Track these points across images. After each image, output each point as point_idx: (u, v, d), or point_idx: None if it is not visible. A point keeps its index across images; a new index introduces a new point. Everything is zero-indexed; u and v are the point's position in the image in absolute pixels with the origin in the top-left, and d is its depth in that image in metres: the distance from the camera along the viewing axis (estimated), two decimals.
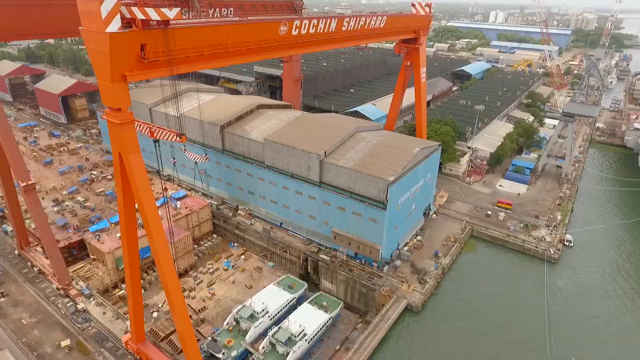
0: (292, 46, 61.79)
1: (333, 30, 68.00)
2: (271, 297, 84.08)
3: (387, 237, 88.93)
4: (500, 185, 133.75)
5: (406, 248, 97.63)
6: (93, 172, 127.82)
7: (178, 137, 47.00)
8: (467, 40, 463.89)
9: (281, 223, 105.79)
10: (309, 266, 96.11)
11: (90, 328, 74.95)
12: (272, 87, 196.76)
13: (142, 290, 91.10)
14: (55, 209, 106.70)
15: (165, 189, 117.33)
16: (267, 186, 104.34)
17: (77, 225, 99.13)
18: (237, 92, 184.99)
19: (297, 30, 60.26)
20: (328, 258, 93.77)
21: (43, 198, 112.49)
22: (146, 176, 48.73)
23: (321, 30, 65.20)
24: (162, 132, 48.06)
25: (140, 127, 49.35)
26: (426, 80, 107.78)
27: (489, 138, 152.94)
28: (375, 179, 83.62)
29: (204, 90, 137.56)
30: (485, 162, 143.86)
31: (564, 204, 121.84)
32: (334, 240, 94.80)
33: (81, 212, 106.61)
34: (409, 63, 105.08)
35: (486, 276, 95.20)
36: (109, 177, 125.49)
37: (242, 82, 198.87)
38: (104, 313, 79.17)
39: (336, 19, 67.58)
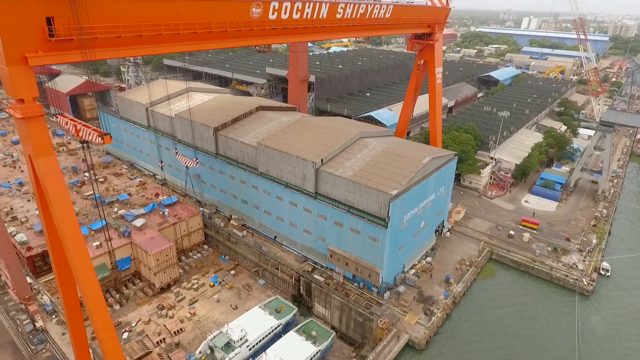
0: (270, 33, 51.74)
1: (324, 17, 57.76)
2: (253, 322, 73.94)
3: (389, 259, 77.45)
4: (525, 201, 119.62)
5: (413, 271, 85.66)
6: (86, 174, 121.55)
7: (100, 138, 37.64)
8: (497, 46, 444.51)
9: (275, 236, 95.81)
10: (301, 287, 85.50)
11: (44, 351, 66.67)
12: (285, 89, 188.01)
13: (117, 306, 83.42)
14: (38, 212, 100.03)
15: (157, 195, 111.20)
16: (260, 195, 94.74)
17: None
18: (247, 95, 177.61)
19: (276, 14, 50.41)
20: (323, 279, 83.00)
21: (29, 200, 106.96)
22: (62, 184, 39.29)
23: (308, 17, 55.12)
24: (87, 130, 38.80)
25: (65, 123, 40.32)
26: (442, 82, 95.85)
27: (515, 148, 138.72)
28: (375, 192, 72.49)
29: (205, 91, 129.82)
30: (509, 175, 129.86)
31: (600, 226, 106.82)
32: (330, 259, 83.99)
33: None
34: (422, 62, 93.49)
35: (505, 308, 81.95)
36: (102, 179, 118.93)
37: (253, 84, 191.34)
38: (63, 334, 70.79)
39: (328, 4, 57.21)
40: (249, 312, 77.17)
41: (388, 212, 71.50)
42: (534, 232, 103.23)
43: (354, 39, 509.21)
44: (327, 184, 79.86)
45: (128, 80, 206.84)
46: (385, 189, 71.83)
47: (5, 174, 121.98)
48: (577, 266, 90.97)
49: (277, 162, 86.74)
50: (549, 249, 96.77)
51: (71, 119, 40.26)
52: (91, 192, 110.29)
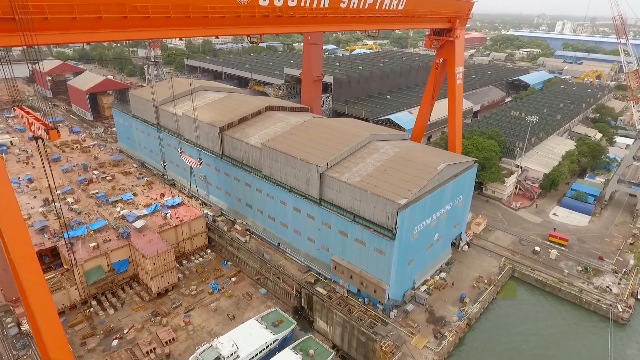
0: (261, 22, 46.14)
1: (326, 6, 51.97)
2: (247, 336, 68.72)
3: (397, 274, 70.74)
4: (554, 214, 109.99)
5: (424, 288, 78.47)
6: (95, 172, 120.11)
7: (46, 132, 33.25)
8: (528, 49, 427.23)
9: (279, 243, 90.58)
10: (302, 299, 79.75)
11: (25, 357, 63.44)
12: None
13: (112, 311, 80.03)
14: (41, 209, 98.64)
15: (162, 195, 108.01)
16: (264, 199, 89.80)
17: (53, 230, 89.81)
18: (265, 95, 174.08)
19: (268, 0, 45.05)
20: (325, 292, 77.06)
21: (35, 197, 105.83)
22: (6, 182, 34.77)
23: (307, 5, 49.44)
24: (35, 124, 34.52)
25: (21, 116, 36.26)
26: (462, 83, 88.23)
27: (544, 156, 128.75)
28: (382, 200, 66.07)
29: (217, 90, 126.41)
30: (536, 185, 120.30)
31: (639, 244, 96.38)
32: (334, 271, 77.96)
33: (67, 215, 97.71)
34: (440, 60, 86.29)
35: (527, 335, 73.55)
36: (109, 178, 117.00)
37: (271, 84, 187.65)
38: None
39: None
40: (243, 325, 72.05)
41: (396, 223, 64.93)
42: (563, 248, 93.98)
43: (377, 41, 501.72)
44: (332, 189, 73.99)
45: (148, 79, 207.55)
46: (394, 197, 65.29)
47: (17, 170, 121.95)
48: (611, 290, 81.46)
49: (281, 164, 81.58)
50: (579, 268, 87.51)
51: (26, 112, 36.22)
52: (97, 191, 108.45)
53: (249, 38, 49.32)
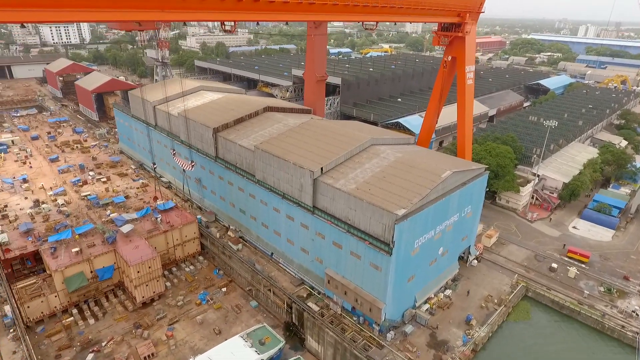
0: (239, 7, 40.28)
1: None
2: (229, 356, 63.13)
3: (395, 292, 64.07)
4: (574, 227, 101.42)
5: (426, 306, 71.45)
6: (90, 172, 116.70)
7: None
8: (549, 53, 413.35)
9: (272, 253, 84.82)
10: (293, 315, 73.69)
11: None
12: None
13: (92, 320, 75.38)
14: (29, 211, 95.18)
15: (155, 198, 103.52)
16: (258, 205, 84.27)
17: (38, 233, 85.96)
18: (272, 97, 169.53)
19: None
20: (318, 308, 70.83)
21: (26, 198, 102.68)
22: None
23: None
24: None
25: None
26: (473, 83, 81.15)
27: (564, 164, 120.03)
28: (379, 210, 59.64)
29: (219, 90, 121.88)
30: (555, 195, 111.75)
31: None
32: (328, 285, 71.72)
33: (55, 218, 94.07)
34: (449, 58, 79.39)
35: None
36: (104, 179, 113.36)
37: (278, 86, 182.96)
38: (14, 352, 63.04)
39: None
40: (226, 342, 66.46)
41: (393, 236, 58.40)
42: (583, 266, 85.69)
43: (393, 44, 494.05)
44: (326, 197, 67.90)
45: (157, 79, 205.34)
46: (391, 207, 58.79)
47: (14, 170, 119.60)
48: (637, 314, 72.93)
49: (274, 169, 75.95)
50: (601, 289, 79.12)
51: None
52: (88, 193, 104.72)
53: (222, 25, 43.74)
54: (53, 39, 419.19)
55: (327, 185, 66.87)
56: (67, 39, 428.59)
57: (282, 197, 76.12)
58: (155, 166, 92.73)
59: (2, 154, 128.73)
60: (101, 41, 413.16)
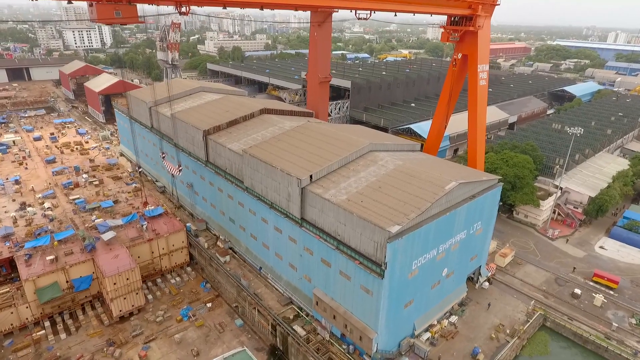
0: None
1: None
2: None
3: (389, 320, 55.97)
4: (601, 247, 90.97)
5: (428, 335, 62.89)
6: (84, 175, 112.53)
7: None
8: (576, 60, 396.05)
9: (260, 267, 77.80)
10: (278, 338, 66.28)
11: None
12: None
13: (64, 335, 69.83)
14: (13, 214, 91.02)
15: (145, 204, 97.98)
16: (246, 215, 77.55)
17: (16, 238, 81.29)
18: (280, 100, 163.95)
19: None
20: (304, 333, 63.25)
21: (14, 200, 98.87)
22: None
23: None
24: None
25: None
26: (487, 84, 72.45)
27: (590, 176, 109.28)
28: (370, 226, 51.86)
29: (219, 91, 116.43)
30: (579, 210, 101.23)
31: None
32: (316, 307, 64.07)
33: (39, 222, 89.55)
34: (459, 56, 71.08)
35: None
36: (97, 182, 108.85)
37: (287, 89, 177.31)
38: None
39: None
40: None
41: (385, 256, 50.48)
42: (611, 292, 75.45)
43: (412, 50, 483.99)
44: (315, 208, 60.53)
45: (166, 81, 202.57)
46: (384, 223, 50.93)
47: (9, 171, 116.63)
48: None
49: (262, 175, 69.13)
50: (633, 321, 68.87)
51: None
52: (77, 196, 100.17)
53: (177, 8, 37.40)
54: (75, 44, 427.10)
55: (316, 195, 59.50)
56: (89, 43, 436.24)
57: (269, 207, 69.15)
58: (140, 169, 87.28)
59: (1, 155, 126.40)
60: (121, 45, 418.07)
